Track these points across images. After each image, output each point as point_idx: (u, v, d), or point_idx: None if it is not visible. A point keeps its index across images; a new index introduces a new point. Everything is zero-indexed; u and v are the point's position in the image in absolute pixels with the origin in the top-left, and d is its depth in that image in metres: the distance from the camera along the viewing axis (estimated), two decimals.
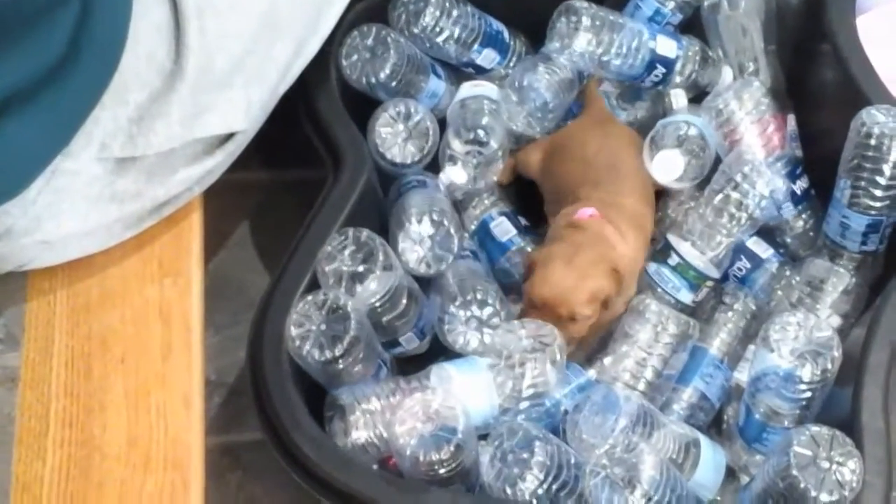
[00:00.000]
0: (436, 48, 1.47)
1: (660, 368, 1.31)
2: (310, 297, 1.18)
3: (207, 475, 1.13)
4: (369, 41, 1.41)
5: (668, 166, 1.40)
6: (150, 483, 1.09)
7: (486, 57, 1.50)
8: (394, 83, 1.42)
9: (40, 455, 1.10)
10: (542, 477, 1.12)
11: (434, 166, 1.42)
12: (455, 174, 1.40)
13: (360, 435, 1.19)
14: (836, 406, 1.19)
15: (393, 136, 1.39)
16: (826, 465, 1.09)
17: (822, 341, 1.18)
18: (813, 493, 1.08)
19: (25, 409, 1.12)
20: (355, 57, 1.41)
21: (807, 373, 1.17)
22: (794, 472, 1.08)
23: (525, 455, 1.13)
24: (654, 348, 1.31)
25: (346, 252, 1.24)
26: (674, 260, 1.35)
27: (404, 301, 1.28)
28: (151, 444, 1.11)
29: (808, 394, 1.17)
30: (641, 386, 1.30)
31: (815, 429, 1.11)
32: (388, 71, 1.41)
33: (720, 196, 1.33)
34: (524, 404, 1.20)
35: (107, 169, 1.15)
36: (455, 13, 1.45)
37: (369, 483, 1.14)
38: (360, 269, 1.24)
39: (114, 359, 1.15)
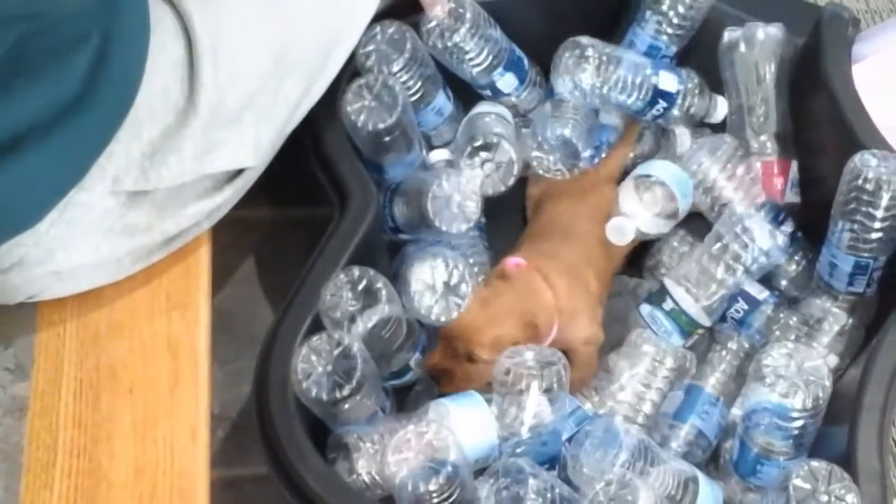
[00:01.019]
0: (459, 65, 1.47)
1: (658, 402, 1.33)
2: (316, 338, 1.19)
3: None
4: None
5: (618, 232, 1.42)
6: None
7: (507, 81, 1.51)
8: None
9: (48, 484, 1.10)
10: None
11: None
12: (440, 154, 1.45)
13: (364, 473, 1.20)
14: (832, 445, 1.21)
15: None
16: (825, 498, 1.11)
17: (813, 370, 1.20)
18: None
19: (34, 438, 1.13)
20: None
21: (798, 402, 1.19)
22: None
23: (519, 492, 1.13)
24: (652, 382, 1.33)
25: (347, 293, 1.25)
26: (668, 305, 1.37)
27: (405, 328, 1.29)
28: (158, 475, 1.12)
29: (800, 423, 1.19)
30: (640, 419, 1.32)
31: (813, 463, 1.12)
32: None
33: (717, 246, 1.36)
34: (525, 434, 1.20)
35: (119, 202, 1.16)
36: (488, 33, 1.46)
37: None
38: (364, 305, 1.25)
39: (122, 390, 1.17)
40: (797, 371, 1.20)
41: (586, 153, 1.47)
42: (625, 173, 1.52)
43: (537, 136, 1.45)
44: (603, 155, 1.52)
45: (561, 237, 1.41)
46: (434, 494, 1.12)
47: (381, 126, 1.37)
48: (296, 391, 1.18)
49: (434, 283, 1.30)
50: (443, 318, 1.30)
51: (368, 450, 1.21)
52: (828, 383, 1.20)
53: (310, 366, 1.18)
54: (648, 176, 1.43)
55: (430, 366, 1.29)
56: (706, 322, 1.37)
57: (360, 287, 1.25)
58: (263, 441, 1.20)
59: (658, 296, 1.38)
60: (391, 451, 1.14)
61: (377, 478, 1.20)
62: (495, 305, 1.28)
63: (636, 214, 1.42)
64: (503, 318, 1.27)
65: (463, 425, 1.21)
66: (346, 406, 1.18)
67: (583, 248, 1.40)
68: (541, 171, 1.46)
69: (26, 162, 1.06)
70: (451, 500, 1.14)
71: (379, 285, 1.26)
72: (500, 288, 1.31)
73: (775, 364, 1.21)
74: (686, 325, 1.37)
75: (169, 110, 1.16)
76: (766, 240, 1.35)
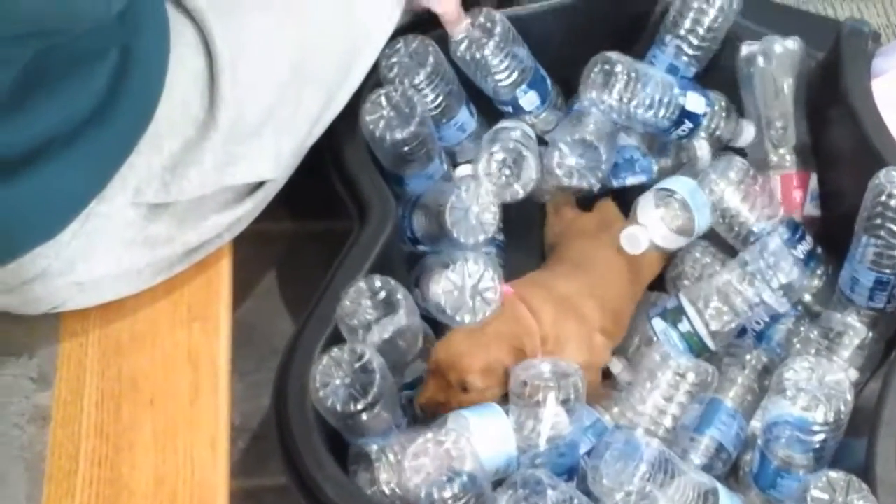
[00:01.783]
0: (484, 79, 1.48)
1: (679, 416, 1.33)
2: (336, 350, 1.19)
3: None
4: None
5: (632, 241, 1.42)
6: None
7: (529, 99, 1.51)
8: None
9: (70, 492, 1.12)
10: None
11: None
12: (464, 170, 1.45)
13: (385, 485, 1.20)
14: (851, 458, 1.21)
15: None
16: None
17: (834, 384, 1.20)
18: None
19: (56, 447, 1.14)
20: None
21: (820, 416, 1.19)
22: None
23: (538, 503, 1.14)
24: (674, 396, 1.33)
25: (366, 301, 1.25)
26: (685, 326, 1.37)
27: (421, 339, 1.30)
28: (178, 485, 1.13)
29: (822, 437, 1.19)
30: (661, 433, 1.32)
31: (831, 474, 1.12)
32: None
33: (738, 274, 1.36)
34: (543, 445, 1.21)
35: (140, 214, 1.18)
36: (515, 49, 1.47)
37: None
38: (382, 315, 1.25)
39: (143, 400, 1.18)
40: (819, 385, 1.20)
41: (609, 163, 1.47)
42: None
43: (560, 142, 1.45)
44: (629, 176, 1.53)
45: (568, 271, 1.41)
46: (451, 501, 1.13)
47: (398, 136, 1.37)
48: (313, 401, 1.18)
49: (462, 284, 1.30)
50: (467, 319, 1.30)
51: (390, 461, 1.21)
52: (849, 397, 1.20)
53: (328, 376, 1.18)
54: (668, 190, 1.43)
55: (424, 400, 1.26)
56: (711, 347, 1.38)
57: (380, 296, 1.26)
58: (282, 451, 1.20)
59: (675, 314, 1.38)
60: (408, 459, 1.15)
61: (397, 490, 1.20)
62: (482, 332, 1.27)
63: (653, 227, 1.42)
64: (491, 344, 1.26)
65: (482, 436, 1.21)
66: (363, 419, 1.18)
67: (587, 279, 1.39)
68: (565, 181, 1.46)
69: (46, 174, 1.08)
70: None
71: (399, 296, 1.26)
72: (489, 319, 1.29)
73: (797, 377, 1.21)
74: (697, 347, 1.37)
75: (189, 123, 1.17)
76: (793, 274, 1.36)
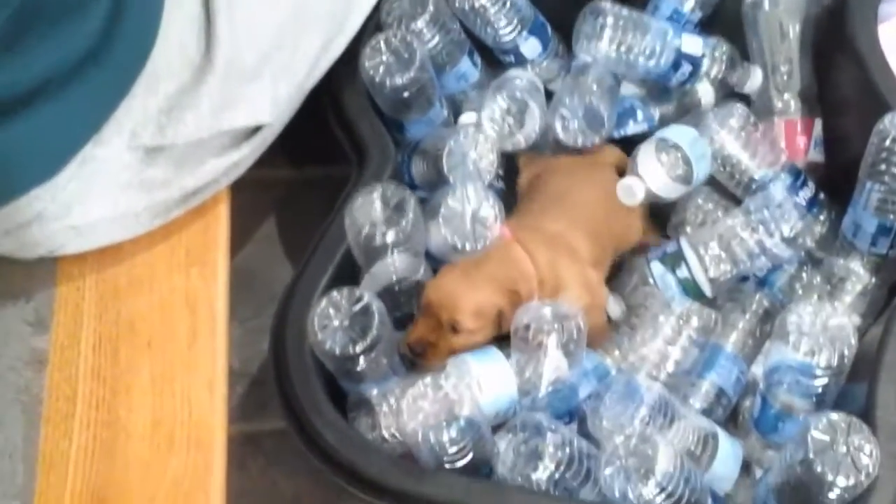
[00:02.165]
0: (484, 27, 1.47)
1: (681, 360, 1.32)
2: (334, 293, 1.20)
3: (229, 463, 1.15)
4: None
5: (628, 192, 1.40)
6: (173, 464, 1.11)
7: (531, 46, 1.50)
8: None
9: (67, 434, 1.12)
10: (553, 468, 1.14)
11: None
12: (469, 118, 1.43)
13: (385, 430, 1.20)
14: (852, 402, 1.20)
15: None
16: (843, 449, 1.10)
17: (838, 329, 1.19)
18: (830, 478, 1.09)
19: (53, 390, 1.14)
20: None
21: (822, 360, 1.18)
22: (811, 457, 1.09)
23: (537, 446, 1.14)
24: (676, 341, 1.32)
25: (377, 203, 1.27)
26: (682, 273, 1.36)
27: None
28: (176, 427, 1.13)
29: (824, 381, 1.18)
30: (662, 377, 1.31)
31: (832, 415, 1.12)
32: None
33: (741, 221, 1.35)
34: (545, 389, 1.20)
35: (136, 157, 1.17)
36: None
37: (388, 468, 1.16)
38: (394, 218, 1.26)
39: (140, 343, 1.18)
40: (822, 329, 1.19)
41: (611, 121, 1.46)
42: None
43: (561, 105, 1.44)
44: (630, 124, 1.52)
45: (549, 207, 1.38)
46: (448, 446, 1.13)
47: (398, 82, 1.37)
48: (311, 343, 1.19)
49: (462, 210, 1.29)
50: (467, 247, 1.28)
51: (390, 406, 1.21)
52: (853, 341, 1.19)
53: (327, 319, 1.18)
54: (666, 140, 1.42)
55: (413, 339, 1.24)
56: (708, 293, 1.36)
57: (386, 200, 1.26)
58: (280, 395, 1.21)
59: (674, 259, 1.37)
60: (407, 403, 1.15)
61: (397, 434, 1.20)
62: (475, 273, 1.25)
63: (651, 175, 1.41)
64: (484, 284, 1.24)
65: (482, 379, 1.21)
66: (361, 363, 1.19)
67: (572, 213, 1.37)
68: (567, 141, 1.45)
69: (41, 115, 1.07)
70: (467, 452, 1.15)
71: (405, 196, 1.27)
72: (480, 257, 1.28)
73: (800, 322, 1.20)
74: (694, 293, 1.36)
75: (185, 66, 1.17)
76: (797, 224, 1.35)
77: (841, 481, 1.09)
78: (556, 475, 1.13)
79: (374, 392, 1.21)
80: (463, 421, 1.14)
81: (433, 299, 1.24)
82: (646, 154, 1.41)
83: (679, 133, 1.43)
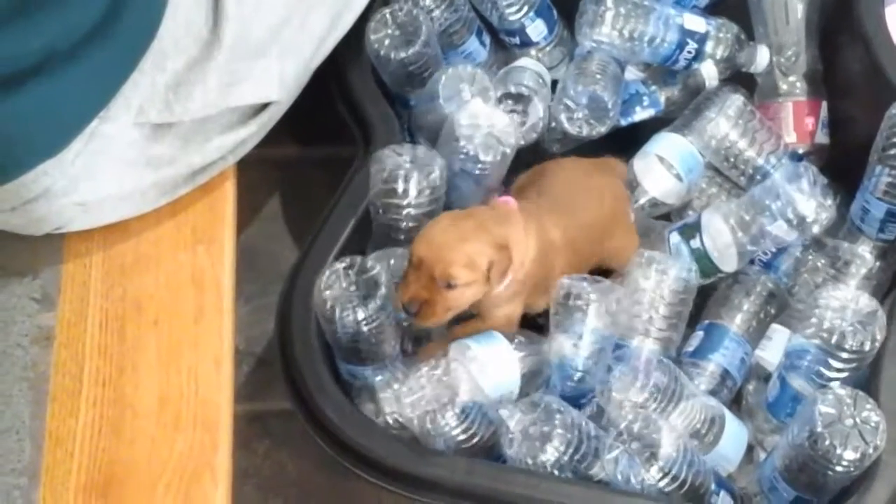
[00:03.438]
0: (491, 6, 1.47)
1: (669, 317, 1.31)
2: (340, 263, 1.19)
3: (235, 442, 1.15)
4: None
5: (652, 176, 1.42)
6: (179, 441, 1.11)
7: (537, 28, 1.50)
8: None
9: (73, 412, 1.12)
10: (562, 449, 1.14)
11: None
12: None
13: (389, 415, 1.20)
14: (856, 387, 1.20)
15: None
16: (850, 422, 1.11)
17: (869, 314, 1.19)
18: (838, 451, 1.10)
19: (60, 367, 1.14)
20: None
21: (854, 344, 1.18)
22: (820, 430, 1.10)
23: (546, 428, 1.14)
24: (658, 299, 1.31)
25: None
26: (695, 243, 1.36)
27: None
28: (182, 404, 1.13)
29: (852, 366, 1.18)
30: (654, 335, 1.30)
31: (838, 391, 1.13)
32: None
33: (760, 208, 1.34)
34: (581, 362, 1.21)
35: (143, 134, 1.17)
36: None
37: (392, 450, 1.16)
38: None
39: (147, 321, 1.18)
40: (853, 314, 1.19)
41: (616, 108, 1.46)
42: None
43: (565, 95, 1.44)
44: (637, 110, 1.51)
45: (551, 206, 1.31)
46: (453, 430, 1.14)
47: (402, 55, 1.37)
48: (318, 313, 1.18)
49: (480, 122, 1.31)
50: (486, 158, 1.31)
51: (394, 391, 1.20)
52: (884, 326, 1.19)
53: (333, 289, 1.18)
54: (661, 158, 1.42)
55: (407, 298, 1.17)
56: (727, 268, 1.36)
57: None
58: (285, 375, 1.21)
59: (690, 230, 1.37)
60: (409, 389, 1.15)
61: (401, 419, 1.20)
62: (464, 223, 1.19)
63: (648, 191, 1.42)
64: (473, 235, 1.18)
65: (485, 363, 1.21)
66: (366, 331, 1.18)
67: (568, 223, 1.30)
68: (573, 131, 1.45)
69: (47, 88, 1.07)
70: (471, 435, 1.15)
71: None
72: (474, 210, 1.24)
73: (829, 306, 1.20)
74: (706, 267, 1.36)
75: (193, 42, 1.16)
76: (807, 210, 1.34)
77: (849, 454, 1.10)
78: (564, 458, 1.14)
79: (378, 379, 1.21)
80: (466, 405, 1.14)
81: (424, 254, 1.17)
82: (643, 171, 1.42)
83: (672, 149, 1.43)
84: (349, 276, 1.18)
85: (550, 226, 1.27)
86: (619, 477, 1.12)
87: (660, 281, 1.31)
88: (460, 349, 1.22)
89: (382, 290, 1.17)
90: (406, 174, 1.27)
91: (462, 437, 1.16)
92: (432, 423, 1.14)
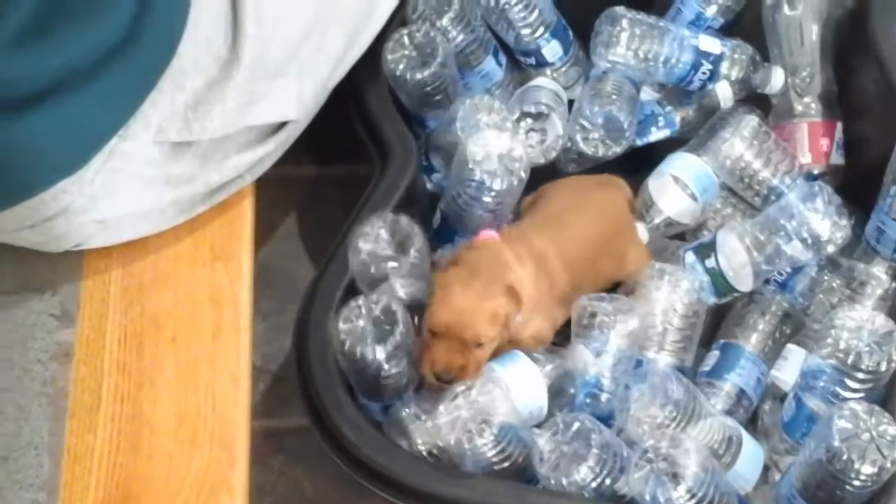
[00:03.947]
0: (507, 26, 1.48)
1: (682, 329, 1.32)
2: (360, 299, 1.19)
3: (251, 459, 1.15)
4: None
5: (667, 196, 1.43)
6: (197, 458, 1.11)
7: (552, 49, 1.50)
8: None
9: (92, 428, 1.12)
10: (597, 470, 1.15)
11: None
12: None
13: (422, 446, 1.21)
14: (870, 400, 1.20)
15: None
16: (867, 436, 1.11)
17: (886, 335, 1.19)
18: (856, 465, 1.10)
19: (78, 383, 1.15)
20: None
21: (870, 365, 1.18)
22: (837, 444, 1.10)
23: (581, 448, 1.15)
24: (670, 311, 1.31)
25: (382, 235, 1.24)
26: (710, 262, 1.36)
27: None
28: (199, 421, 1.13)
29: (867, 386, 1.19)
30: (668, 347, 1.31)
31: (853, 405, 1.13)
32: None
33: (775, 229, 1.34)
34: (607, 380, 1.22)
35: (163, 152, 1.18)
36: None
37: (409, 468, 1.17)
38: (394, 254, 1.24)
39: (165, 338, 1.18)
40: (870, 335, 1.19)
41: (632, 128, 1.47)
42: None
43: (580, 115, 1.45)
44: (653, 130, 1.52)
45: (542, 224, 1.33)
46: (488, 449, 1.14)
47: (419, 77, 1.38)
48: (337, 350, 1.19)
49: (491, 150, 1.31)
50: (496, 186, 1.31)
51: (424, 424, 1.21)
52: (895, 355, 1.19)
53: (352, 324, 1.18)
54: (676, 178, 1.43)
55: (441, 367, 1.18)
56: (742, 287, 1.36)
57: (393, 232, 1.25)
58: (302, 392, 1.22)
59: (705, 249, 1.37)
60: (444, 410, 1.16)
61: (434, 450, 1.21)
62: (477, 282, 1.20)
63: (663, 211, 1.43)
64: (488, 290, 1.20)
65: (510, 383, 1.22)
66: (384, 368, 1.18)
67: (562, 238, 1.31)
68: (588, 151, 1.46)
69: (68, 106, 1.07)
70: (506, 456, 1.15)
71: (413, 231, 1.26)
72: (473, 260, 1.23)
73: (845, 326, 1.20)
74: (721, 286, 1.36)
75: (212, 61, 1.17)
76: (826, 230, 1.34)
77: (866, 468, 1.10)
78: (599, 478, 1.14)
79: (405, 412, 1.22)
80: (498, 426, 1.14)
81: (451, 322, 1.18)
82: (657, 192, 1.43)
83: (687, 169, 1.44)
84: (369, 315, 1.18)
85: (539, 241, 1.29)
86: (647, 497, 1.11)
87: (671, 292, 1.31)
88: (485, 372, 1.22)
89: (400, 326, 1.18)
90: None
91: (496, 458, 1.15)
92: (469, 443, 1.14)
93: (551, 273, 1.29)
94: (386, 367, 1.18)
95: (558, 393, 1.26)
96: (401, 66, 1.38)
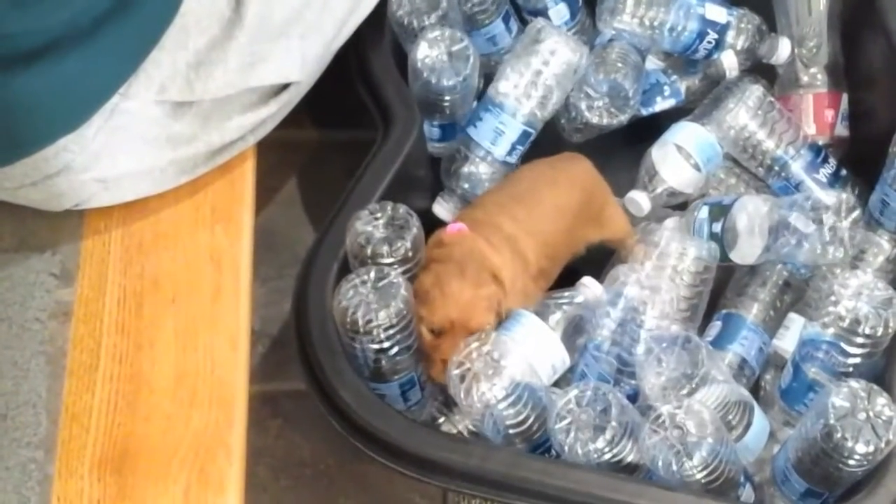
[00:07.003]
0: None
1: (690, 297, 1.31)
2: (362, 271, 1.18)
3: (248, 422, 1.15)
4: None
5: (635, 206, 1.42)
6: (195, 419, 1.11)
7: (559, 11, 1.51)
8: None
9: (90, 387, 1.12)
10: (615, 439, 1.13)
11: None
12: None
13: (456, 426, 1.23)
14: (869, 374, 1.20)
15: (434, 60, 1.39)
16: (863, 416, 1.10)
17: (884, 300, 1.18)
18: (850, 445, 1.09)
19: (77, 342, 1.14)
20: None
21: (867, 330, 1.18)
22: (833, 422, 1.10)
23: (599, 416, 1.14)
24: (680, 272, 1.31)
25: (381, 221, 1.23)
26: (716, 227, 1.35)
27: None
28: (198, 382, 1.13)
29: (865, 351, 1.18)
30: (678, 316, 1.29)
31: (852, 383, 1.12)
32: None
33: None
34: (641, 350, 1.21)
35: (164, 112, 1.17)
36: None
37: (406, 432, 1.16)
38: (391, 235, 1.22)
39: (164, 299, 1.18)
40: (868, 300, 1.18)
41: (637, 98, 1.46)
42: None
43: (585, 83, 1.44)
44: (658, 100, 1.51)
45: (509, 204, 1.33)
46: (498, 402, 1.14)
47: (444, 83, 1.38)
48: (338, 324, 1.18)
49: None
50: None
51: (452, 417, 1.23)
52: (892, 322, 1.18)
53: (355, 298, 1.16)
54: (679, 147, 1.42)
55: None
56: (738, 261, 1.36)
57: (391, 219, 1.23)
58: (301, 358, 1.21)
59: (719, 211, 1.36)
60: (453, 368, 1.15)
61: (470, 426, 1.22)
62: (470, 275, 1.20)
63: (666, 181, 1.42)
64: (480, 279, 1.21)
65: (525, 346, 1.22)
66: (386, 347, 1.18)
67: (531, 216, 1.32)
68: (593, 119, 1.45)
69: (68, 62, 1.07)
70: (523, 419, 1.16)
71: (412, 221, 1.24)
72: (455, 255, 1.23)
73: (844, 293, 1.19)
74: (719, 251, 1.35)
75: (215, 21, 1.16)
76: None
77: (861, 448, 1.10)
78: (616, 446, 1.14)
79: (433, 409, 1.25)
80: (510, 379, 1.15)
81: (454, 315, 1.19)
82: (660, 160, 1.42)
83: (691, 138, 1.43)
84: (370, 285, 1.17)
85: (508, 224, 1.29)
86: (660, 465, 1.10)
87: (681, 252, 1.32)
88: (500, 343, 1.20)
89: (402, 298, 1.16)
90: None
91: (512, 420, 1.16)
92: (478, 394, 1.14)
93: (523, 254, 1.29)
94: (387, 346, 1.17)
95: (575, 332, 1.26)
96: (430, 70, 1.38)
